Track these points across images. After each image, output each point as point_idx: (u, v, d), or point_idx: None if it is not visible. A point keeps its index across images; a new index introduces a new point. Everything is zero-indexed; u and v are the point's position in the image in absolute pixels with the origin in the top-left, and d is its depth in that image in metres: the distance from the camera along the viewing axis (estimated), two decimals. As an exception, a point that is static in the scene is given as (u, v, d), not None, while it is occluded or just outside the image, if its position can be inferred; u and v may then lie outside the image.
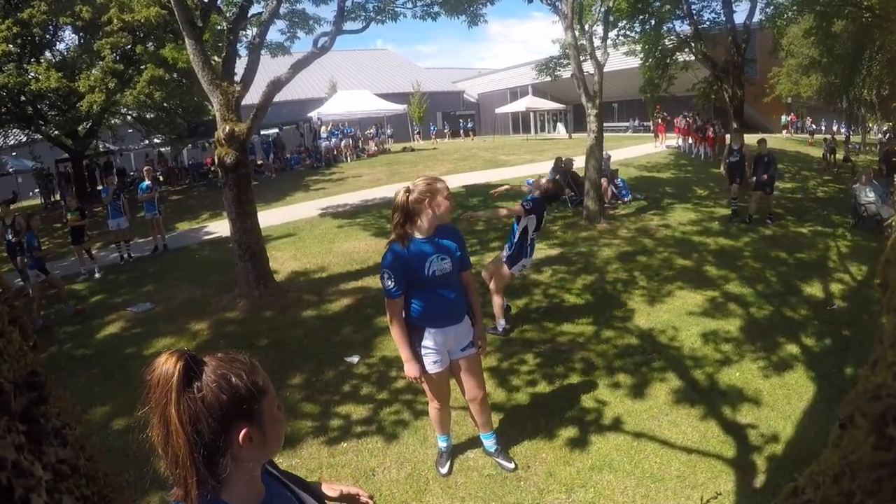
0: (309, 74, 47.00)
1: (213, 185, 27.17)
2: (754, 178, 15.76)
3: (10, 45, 23.39)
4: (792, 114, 46.22)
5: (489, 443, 5.59)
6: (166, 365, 1.60)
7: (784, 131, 44.87)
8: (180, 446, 1.57)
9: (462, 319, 4.91)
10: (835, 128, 41.33)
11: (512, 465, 5.44)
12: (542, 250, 13.04)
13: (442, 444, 5.54)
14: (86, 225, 14.70)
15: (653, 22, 23.92)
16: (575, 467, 5.41)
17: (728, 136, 25.16)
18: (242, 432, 1.62)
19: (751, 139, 25.22)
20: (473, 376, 5.10)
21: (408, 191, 4.56)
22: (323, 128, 35.01)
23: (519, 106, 51.88)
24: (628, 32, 24.76)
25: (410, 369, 4.79)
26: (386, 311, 4.74)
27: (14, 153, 34.32)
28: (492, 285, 8.52)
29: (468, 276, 4.99)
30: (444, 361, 4.90)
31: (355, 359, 8.08)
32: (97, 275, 14.34)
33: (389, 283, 4.59)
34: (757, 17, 23.92)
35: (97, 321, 10.99)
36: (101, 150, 34.52)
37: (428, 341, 4.80)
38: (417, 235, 4.61)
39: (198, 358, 1.65)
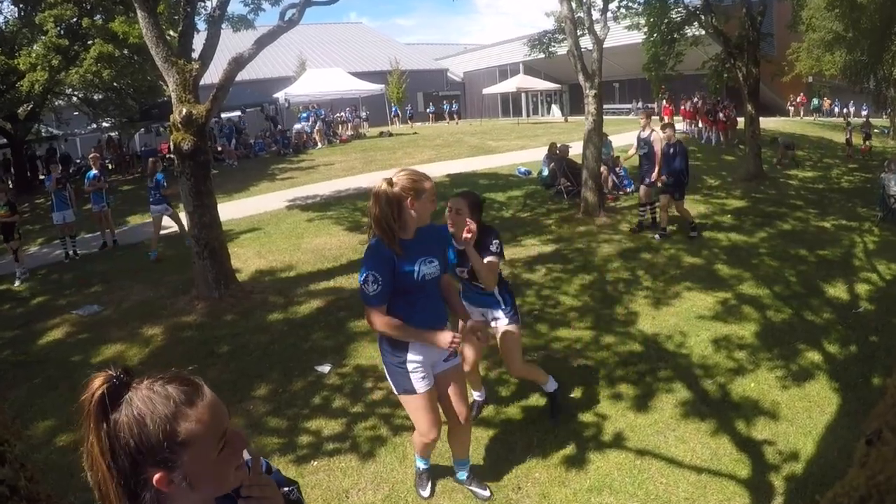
0: (275, 51, 46.90)
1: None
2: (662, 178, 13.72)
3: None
4: (825, 98, 46.46)
5: (464, 471, 5.51)
6: (91, 387, 1.60)
7: (814, 115, 45.08)
8: (102, 476, 1.60)
9: (445, 326, 4.79)
10: (845, 109, 41.69)
11: (487, 493, 5.40)
12: (535, 247, 13.07)
13: (421, 465, 5.48)
14: (17, 221, 14.18)
15: (658, -9, 23.95)
16: (571, 489, 5.41)
17: (738, 119, 25.25)
18: (156, 476, 1.59)
19: (766, 123, 25.39)
20: (460, 389, 5.02)
21: (390, 183, 4.41)
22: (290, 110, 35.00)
23: (509, 86, 51.91)
24: (631, 4, 24.78)
25: (444, 339, 4.48)
26: (368, 320, 4.52)
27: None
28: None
29: (447, 276, 4.94)
30: (431, 379, 4.77)
31: (326, 367, 8.05)
32: (18, 282, 13.73)
33: (374, 287, 4.36)
34: (774, -13, 24.02)
35: (39, 325, 10.88)
36: (44, 134, 34.26)
37: (414, 355, 4.64)
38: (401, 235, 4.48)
39: (129, 382, 1.63)
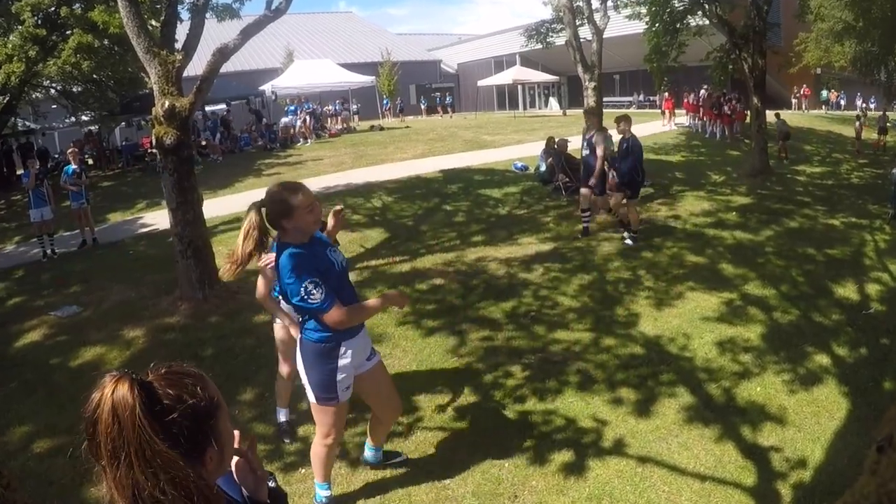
0: (261, 41, 46.70)
1: (150, 169, 26.75)
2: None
3: None
4: (832, 91, 46.49)
5: (376, 454, 5.79)
6: (118, 394, 1.55)
7: (823, 108, 45.14)
8: (181, 475, 1.57)
9: (364, 324, 5.04)
10: (861, 103, 41.73)
11: (404, 455, 5.88)
12: (532, 245, 13.07)
13: (325, 494, 5.35)
14: None
15: (660, -20, 23.98)
16: (570, 497, 5.41)
17: (748, 113, 25.26)
18: (208, 452, 1.66)
19: (773, 116, 25.42)
20: (389, 380, 5.29)
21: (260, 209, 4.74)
22: (288, 101, 34.90)
23: (505, 78, 51.82)
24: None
25: (395, 296, 5.03)
26: (333, 322, 4.56)
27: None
28: None
29: None
30: (351, 387, 4.94)
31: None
32: None
33: (318, 294, 4.41)
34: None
35: (15, 327, 10.80)
36: (21, 129, 33.97)
37: (345, 360, 4.76)
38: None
39: (144, 379, 1.63)
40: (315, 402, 4.86)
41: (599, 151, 13.04)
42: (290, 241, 4.51)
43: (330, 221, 5.18)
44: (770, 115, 24.52)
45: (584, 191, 13.73)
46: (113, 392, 1.55)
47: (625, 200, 13.01)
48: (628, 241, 12.99)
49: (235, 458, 1.95)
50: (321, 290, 4.39)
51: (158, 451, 1.54)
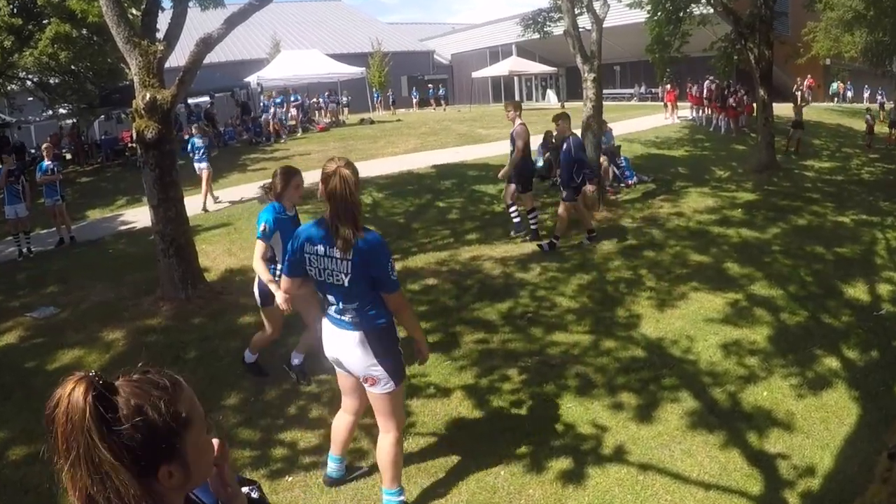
0: (247, 31, 46.70)
1: (130, 164, 26.80)
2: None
3: None
4: (839, 82, 46.50)
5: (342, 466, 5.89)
6: (73, 396, 1.57)
7: (834, 100, 45.14)
8: (125, 483, 1.58)
9: None
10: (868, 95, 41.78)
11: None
12: (529, 244, 13.06)
13: (401, 499, 5.32)
14: None
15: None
16: (568, 507, 5.41)
17: (755, 105, 25.26)
18: (161, 471, 1.63)
19: (780, 109, 25.45)
20: None
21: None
22: (263, 96, 34.84)
23: (501, 69, 51.90)
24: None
25: (421, 348, 5.21)
26: (402, 304, 4.99)
27: None
28: None
29: None
30: None
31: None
32: None
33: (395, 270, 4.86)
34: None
35: (-11, 329, 10.84)
36: (-5, 122, 33.96)
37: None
38: None
39: (108, 382, 1.63)
40: (395, 389, 4.95)
41: (519, 144, 12.95)
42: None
43: None
44: (781, 109, 24.51)
45: (514, 189, 13.48)
46: (70, 393, 1.58)
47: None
48: (585, 242, 12.93)
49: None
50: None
51: (104, 460, 1.56)
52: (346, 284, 4.68)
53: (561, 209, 12.83)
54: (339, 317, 4.86)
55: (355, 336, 4.82)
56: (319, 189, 4.70)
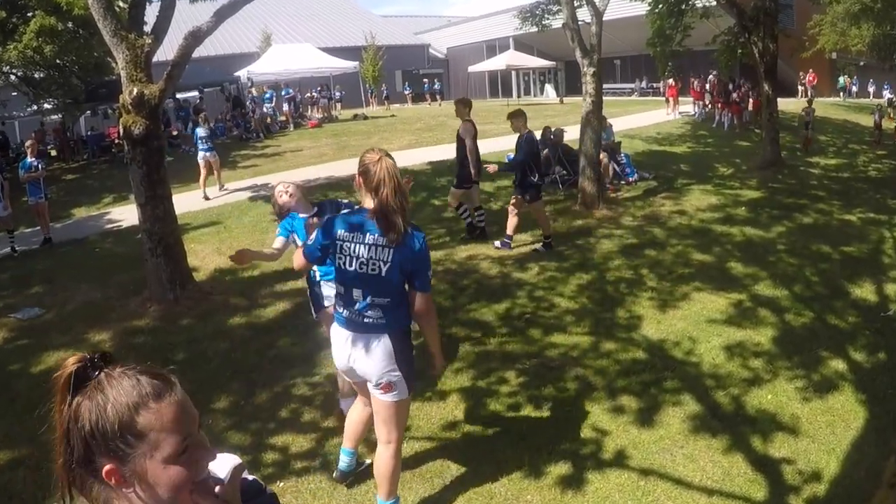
0: (237, 24, 46.58)
1: (117, 161, 26.73)
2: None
3: None
4: (845, 76, 46.48)
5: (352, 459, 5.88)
6: (64, 366, 1.68)
7: (841, 95, 45.15)
8: (58, 448, 1.69)
9: None
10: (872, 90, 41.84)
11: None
12: (527, 244, 13.05)
13: None
14: None
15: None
16: (568, 514, 5.41)
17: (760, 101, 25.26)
18: (106, 468, 1.65)
19: (785, 104, 25.47)
20: None
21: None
22: (253, 90, 34.79)
23: (498, 63, 51.88)
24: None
25: (438, 363, 5.18)
26: (430, 307, 4.93)
27: None
28: None
29: None
30: None
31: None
32: None
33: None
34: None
35: (-29, 331, 10.81)
36: (-23, 119, 33.85)
37: None
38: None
39: (102, 366, 1.70)
40: (406, 397, 4.93)
41: (468, 141, 12.95)
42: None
43: None
44: (786, 105, 24.52)
45: (454, 190, 13.64)
46: (65, 365, 1.69)
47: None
48: (539, 248, 12.77)
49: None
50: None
51: (57, 424, 1.68)
52: (383, 274, 4.65)
53: (534, 212, 12.88)
54: (361, 317, 4.77)
55: (379, 338, 4.76)
56: (357, 180, 4.68)
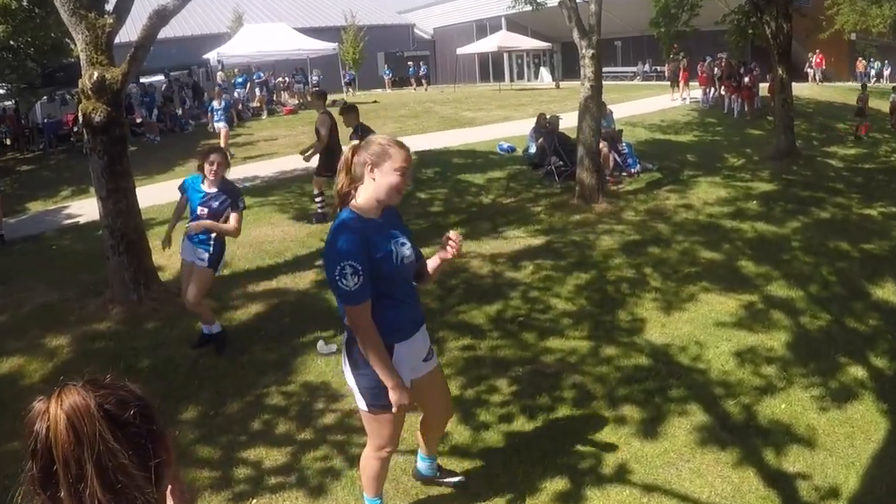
0: (206, 2, 46.59)
1: (76, 151, 26.68)
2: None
3: None
4: (859, 59, 46.53)
5: (431, 464, 5.77)
6: (72, 404, 1.54)
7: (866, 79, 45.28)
8: (133, 476, 1.56)
9: (423, 320, 4.94)
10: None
11: (460, 476, 5.85)
12: (520, 239, 13.07)
13: None
14: None
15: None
16: (565, 534, 5.41)
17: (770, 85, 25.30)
18: (165, 476, 1.68)
19: (799, 89, 25.50)
20: (443, 388, 5.29)
21: (355, 146, 4.51)
22: (221, 74, 34.77)
23: (489, 45, 51.95)
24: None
25: (402, 396, 4.52)
26: (355, 321, 4.46)
27: None
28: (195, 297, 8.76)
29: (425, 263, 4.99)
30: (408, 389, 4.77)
31: (332, 347, 8.45)
32: None
33: (354, 280, 4.23)
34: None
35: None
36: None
37: (398, 361, 4.61)
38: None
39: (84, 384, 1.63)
40: (366, 411, 4.73)
41: (323, 131, 14.08)
42: (360, 207, 4.46)
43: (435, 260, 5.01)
44: (800, 90, 24.57)
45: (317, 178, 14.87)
46: (61, 404, 1.53)
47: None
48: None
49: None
50: (358, 277, 4.24)
51: (119, 465, 1.54)
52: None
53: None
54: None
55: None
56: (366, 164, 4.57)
